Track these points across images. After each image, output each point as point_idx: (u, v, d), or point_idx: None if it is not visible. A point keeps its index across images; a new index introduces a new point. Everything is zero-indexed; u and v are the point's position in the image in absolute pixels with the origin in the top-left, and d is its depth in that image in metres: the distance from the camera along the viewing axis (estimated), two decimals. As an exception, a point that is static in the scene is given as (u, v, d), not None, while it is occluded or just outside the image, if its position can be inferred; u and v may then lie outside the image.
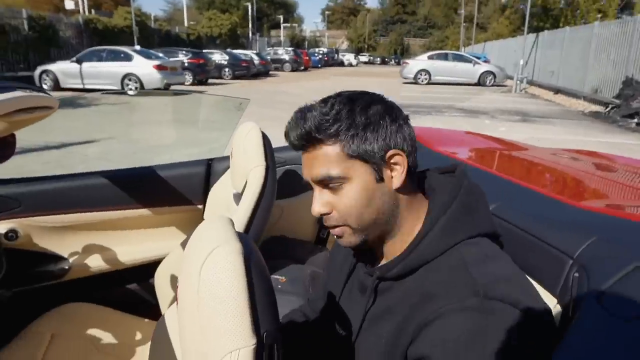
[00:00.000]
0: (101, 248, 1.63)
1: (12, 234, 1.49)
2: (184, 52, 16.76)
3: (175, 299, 1.43)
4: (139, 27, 21.56)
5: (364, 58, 56.40)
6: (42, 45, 16.79)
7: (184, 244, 1.55)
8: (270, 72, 24.09)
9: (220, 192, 1.60)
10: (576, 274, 0.76)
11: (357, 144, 0.69)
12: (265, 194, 1.28)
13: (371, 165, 0.70)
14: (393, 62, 56.10)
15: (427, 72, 18.35)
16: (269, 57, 25.42)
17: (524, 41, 18.48)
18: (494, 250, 0.72)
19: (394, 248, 0.76)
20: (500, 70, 18.63)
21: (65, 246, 1.59)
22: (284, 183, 1.62)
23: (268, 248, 1.63)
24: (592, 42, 12.55)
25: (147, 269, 1.64)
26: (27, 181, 1.55)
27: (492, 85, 18.06)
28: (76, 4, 23.98)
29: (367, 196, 0.71)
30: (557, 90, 14.77)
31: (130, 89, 12.35)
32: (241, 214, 1.25)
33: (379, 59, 59.86)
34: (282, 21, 57.41)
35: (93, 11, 28.00)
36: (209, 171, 1.71)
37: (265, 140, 1.37)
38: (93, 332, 1.45)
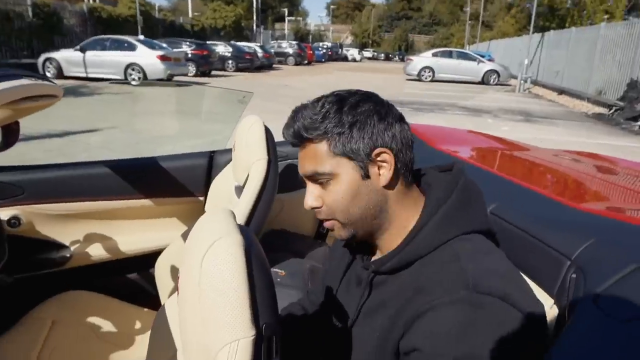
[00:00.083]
0: (102, 237, 1.64)
1: (14, 221, 1.50)
2: (187, 43, 16.71)
3: (174, 289, 1.44)
4: (143, 16, 21.49)
5: (367, 53, 56.19)
6: (46, 32, 16.75)
7: (184, 235, 1.56)
8: (274, 66, 24.02)
9: (221, 185, 1.61)
10: (573, 275, 0.77)
11: (342, 142, 0.72)
12: (267, 187, 1.29)
13: (357, 162, 0.73)
14: (397, 58, 55.92)
15: (431, 69, 18.29)
16: (272, 50, 25.35)
17: (529, 40, 18.40)
18: (487, 246, 0.73)
19: (389, 242, 0.77)
20: (505, 70, 18.57)
21: (67, 234, 1.60)
22: (285, 177, 1.63)
23: (268, 241, 1.64)
24: (598, 43, 12.49)
25: (147, 259, 1.65)
26: (30, 169, 1.56)
27: (496, 84, 18.01)
28: (81, -9, 23.89)
29: (353, 192, 0.74)
30: (561, 91, 14.73)
31: (134, 79, 12.33)
32: (242, 207, 1.26)
33: (382, 54, 59.67)
34: (286, 14, 57.17)
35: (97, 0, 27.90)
36: (211, 163, 1.72)
37: (268, 134, 1.37)
38: (93, 319, 1.46)
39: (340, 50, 43.56)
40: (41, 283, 1.59)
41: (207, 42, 19.41)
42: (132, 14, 21.51)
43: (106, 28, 19.08)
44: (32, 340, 1.34)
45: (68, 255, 1.59)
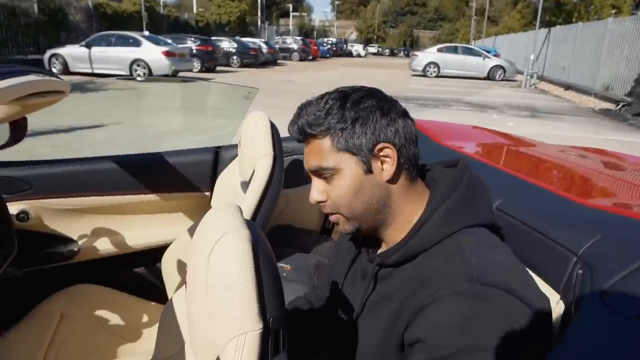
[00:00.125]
0: (109, 232, 1.66)
1: (23, 215, 1.51)
2: (192, 38, 16.72)
3: (181, 283, 1.45)
4: (148, 12, 21.51)
5: (372, 49, 56.01)
6: (51, 28, 16.80)
7: (190, 230, 1.57)
8: (279, 61, 23.98)
9: (227, 180, 1.62)
10: (580, 271, 0.77)
11: (345, 138, 0.73)
12: (273, 182, 1.29)
13: (360, 157, 0.74)
14: (402, 54, 55.65)
15: (436, 64, 18.21)
16: (277, 46, 25.30)
17: (535, 36, 18.27)
18: (492, 240, 0.74)
19: (394, 236, 0.78)
20: (510, 65, 18.45)
21: (74, 229, 1.61)
22: (291, 172, 1.63)
23: (274, 236, 1.64)
24: (605, 38, 12.38)
25: (154, 254, 1.66)
26: (38, 164, 1.57)
27: (502, 80, 17.91)
28: (86, -13, 23.93)
29: (356, 187, 0.75)
30: (568, 87, 14.63)
31: (139, 75, 12.36)
32: (248, 202, 1.27)
33: (387, 50, 59.41)
34: (291, 10, 57.03)
35: (103, -5, 27.89)
36: (216, 159, 1.73)
37: (274, 129, 1.37)
38: (101, 313, 1.48)
39: (345, 46, 43.41)
40: (49, 277, 1.61)
41: (212, 37, 19.39)
42: (137, 10, 21.52)
43: (111, 24, 19.10)
44: (41, 333, 1.36)
45: (76, 249, 1.61)
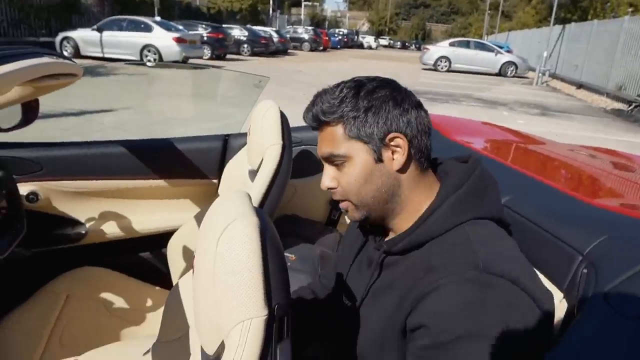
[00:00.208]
0: (117, 215, 1.67)
1: (33, 196, 1.53)
2: (203, 25, 16.67)
3: (186, 269, 1.46)
4: (160, -2, 21.45)
5: (384, 41, 55.54)
6: (64, 11, 16.81)
7: (197, 217, 1.58)
8: (289, 51, 23.88)
9: (235, 168, 1.62)
10: (585, 270, 0.77)
11: (357, 126, 0.75)
12: (281, 172, 1.29)
13: (371, 146, 0.75)
14: (413, 47, 55.25)
15: (448, 59, 18.05)
16: (288, 36, 25.16)
17: (549, 32, 18.04)
18: (500, 233, 0.74)
19: (401, 224, 0.79)
20: (523, 62, 18.25)
21: (82, 211, 1.63)
22: (298, 163, 1.63)
23: (280, 226, 1.64)
24: (621, 36, 12.19)
25: (160, 239, 1.68)
26: (49, 146, 1.58)
27: (513, 77, 17.72)
28: (99, -29, 23.88)
29: (366, 175, 0.76)
30: (580, 85, 14.46)
31: (149, 60, 12.37)
32: (256, 191, 1.27)
33: (399, 43, 58.94)
34: (303, -1, 56.67)
35: (115, -21, 27.84)
36: (225, 146, 1.73)
37: (283, 119, 1.37)
38: (106, 295, 1.50)
39: (356, 37, 43.14)
40: (57, 258, 1.63)
41: (223, 25, 19.32)
42: (149, -6, 21.48)
43: (123, 8, 19.07)
44: (47, 312, 1.38)
45: (83, 232, 1.63)
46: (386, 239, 0.83)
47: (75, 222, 1.63)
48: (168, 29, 12.90)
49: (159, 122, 5.97)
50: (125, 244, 1.69)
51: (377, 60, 23.22)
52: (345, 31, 43.78)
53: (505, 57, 18.09)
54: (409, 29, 74.75)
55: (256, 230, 0.55)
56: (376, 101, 0.74)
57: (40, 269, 1.57)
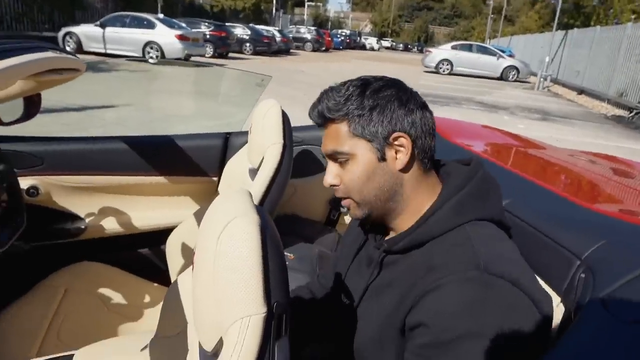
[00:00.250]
0: (116, 211, 1.67)
1: (33, 190, 1.53)
2: (206, 23, 16.67)
3: (185, 266, 1.46)
4: (163, -5, 21.43)
5: (386, 43, 55.56)
6: (67, 6, 16.81)
7: (196, 214, 1.58)
8: (291, 51, 23.88)
9: (236, 167, 1.62)
10: (582, 275, 0.77)
11: (362, 124, 0.75)
12: (281, 171, 1.30)
13: (374, 145, 0.75)
14: (416, 49, 55.27)
15: (450, 62, 18.06)
16: (290, 35, 25.17)
17: (552, 38, 18.04)
18: (500, 235, 0.75)
19: (402, 224, 0.79)
20: (525, 66, 18.26)
21: (82, 206, 1.63)
22: (299, 162, 1.64)
23: (279, 225, 1.65)
24: (623, 43, 12.20)
25: (159, 236, 1.68)
26: (50, 140, 1.58)
27: (515, 81, 17.74)
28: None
29: (368, 173, 0.76)
30: (581, 91, 14.46)
31: (151, 57, 12.37)
32: (256, 190, 1.28)
33: (401, 45, 58.96)
34: (306, -1, 56.64)
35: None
36: (226, 145, 1.73)
37: (285, 118, 1.38)
38: (104, 290, 1.50)
39: (358, 38, 43.15)
40: (56, 252, 1.63)
41: (226, 23, 19.32)
42: (153, -9, 21.45)
43: (126, 5, 19.06)
44: (46, 306, 1.38)
45: (83, 227, 1.63)
46: (386, 238, 0.83)
47: (75, 217, 1.63)
48: (171, 26, 12.90)
49: (160, 119, 5.97)
50: (125, 240, 1.69)
51: (379, 62, 23.23)
52: (348, 32, 43.84)
53: (507, 62, 18.10)
54: (411, 31, 74.78)
55: (257, 228, 0.55)
56: (381, 100, 0.75)
57: (39, 263, 1.57)
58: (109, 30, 12.69)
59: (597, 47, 14.19)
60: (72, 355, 1.09)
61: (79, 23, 14.06)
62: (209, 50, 15.25)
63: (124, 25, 12.80)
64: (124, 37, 12.57)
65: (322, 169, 1.78)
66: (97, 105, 6.09)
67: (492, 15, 44.85)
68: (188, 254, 1.48)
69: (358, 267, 0.88)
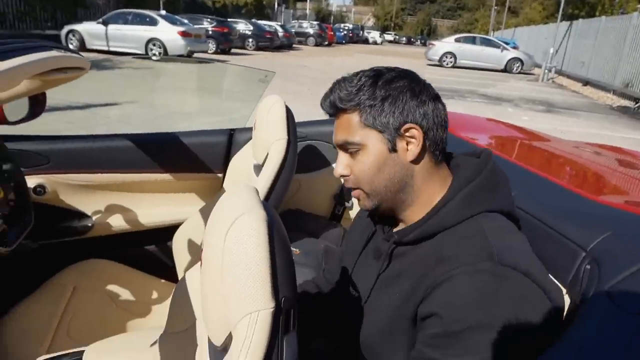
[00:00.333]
0: (123, 209, 1.69)
1: (40, 189, 1.55)
2: (208, 19, 16.65)
3: (192, 262, 1.47)
4: (165, -9, 21.41)
5: (389, 37, 55.33)
6: (70, 4, 16.83)
7: (202, 211, 1.59)
8: (294, 46, 23.81)
9: (240, 163, 1.63)
10: (588, 267, 0.77)
11: (373, 115, 0.75)
12: (285, 167, 1.30)
13: (385, 135, 0.75)
14: (419, 42, 55.05)
15: (453, 55, 17.96)
16: (293, 30, 25.09)
17: (556, 29, 17.91)
18: (511, 227, 0.75)
19: (412, 215, 0.79)
20: (529, 58, 18.13)
21: (89, 204, 1.65)
22: (303, 158, 1.64)
23: (284, 220, 1.66)
24: (629, 33, 12.09)
25: (165, 232, 1.69)
26: (56, 139, 1.59)
27: (519, 73, 17.62)
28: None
29: (379, 164, 0.76)
30: (586, 82, 14.36)
31: (154, 54, 12.37)
32: (261, 185, 1.28)
33: (404, 38, 58.73)
34: (309, -6, 56.38)
35: (120, -27, 27.78)
36: (230, 141, 1.74)
37: (289, 114, 1.38)
38: (112, 288, 1.51)
39: (361, 32, 42.98)
40: (63, 250, 1.64)
41: (228, 19, 19.29)
42: (155, -12, 21.43)
43: (129, 2, 19.06)
44: (54, 304, 1.40)
45: (90, 224, 1.64)
46: (395, 230, 0.83)
47: (82, 215, 1.64)
48: (173, 22, 12.89)
49: (164, 116, 5.98)
50: (131, 237, 1.71)
51: (382, 56, 23.13)
52: (351, 26, 43.62)
53: (511, 54, 17.98)
54: (414, 24, 74.42)
55: (264, 224, 0.56)
56: (394, 91, 0.75)
57: (47, 261, 1.59)
58: (112, 27, 12.70)
59: (603, 37, 14.07)
60: (83, 351, 1.10)
61: (81, 21, 14.07)
62: (212, 46, 15.23)
63: (126, 22, 12.80)
64: (127, 35, 12.57)
65: (326, 164, 1.78)
66: (101, 103, 6.11)
67: (495, 7, 44.50)
68: (195, 250, 1.49)
69: (365, 259, 0.88)
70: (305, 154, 1.74)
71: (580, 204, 1.01)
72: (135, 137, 1.65)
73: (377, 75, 0.76)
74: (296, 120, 1.45)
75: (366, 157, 0.77)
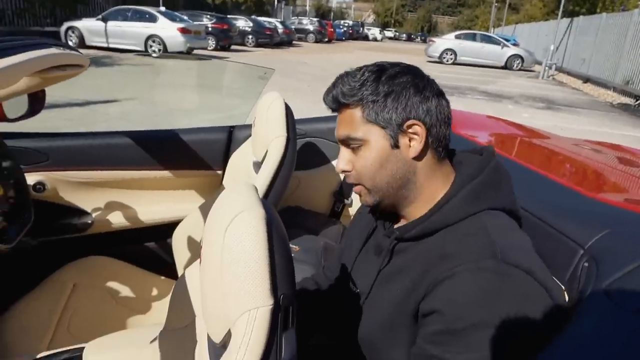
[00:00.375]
0: (122, 206, 1.69)
1: (39, 186, 1.55)
2: (208, 16, 16.60)
3: (191, 259, 1.48)
4: (164, -12, 21.35)
5: (389, 33, 55.26)
6: (69, 1, 16.77)
7: (202, 208, 1.59)
8: (294, 42, 23.77)
9: (240, 160, 1.63)
10: (586, 264, 0.77)
11: (376, 110, 0.74)
12: (285, 164, 1.30)
13: (388, 131, 0.75)
14: (419, 39, 54.96)
15: (453, 51, 17.93)
16: (293, 27, 25.03)
17: (557, 25, 17.87)
18: (513, 225, 0.75)
19: (414, 212, 0.79)
20: (529, 55, 18.11)
21: (89, 201, 1.65)
22: (303, 155, 1.64)
23: (283, 217, 1.65)
24: (629, 30, 12.07)
25: (165, 229, 1.69)
26: (55, 136, 1.60)
27: (519, 70, 17.60)
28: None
29: (381, 160, 0.76)
30: (587, 79, 14.34)
31: (154, 51, 12.35)
32: (260, 183, 1.28)
33: (404, 35, 58.62)
34: (308, -10, 56.23)
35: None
36: (230, 138, 1.74)
37: (288, 111, 1.38)
38: (112, 284, 1.52)
39: (361, 29, 42.90)
40: (63, 247, 1.65)
41: (228, 16, 19.24)
42: (154, -16, 21.36)
43: (128, -2, 19.05)
44: (55, 301, 1.40)
45: (89, 221, 1.64)
46: (396, 226, 0.83)
47: (82, 212, 1.65)
48: (173, 19, 12.86)
49: (164, 112, 5.97)
50: (131, 234, 1.71)
51: (383, 53, 23.08)
52: (351, 23, 43.52)
53: (511, 50, 17.95)
54: (414, 21, 74.26)
55: (263, 222, 0.56)
56: (397, 87, 0.74)
57: (47, 258, 1.59)
58: (111, 24, 12.67)
59: (603, 34, 14.04)
60: (83, 348, 1.11)
61: (80, 17, 14.04)
62: (212, 42, 15.20)
63: (125, 19, 12.77)
64: (126, 31, 12.55)
65: (325, 161, 1.78)
66: (100, 99, 6.10)
67: (496, 4, 44.38)
68: (194, 247, 1.49)
69: (366, 256, 0.88)
70: (304, 151, 1.74)
71: (578, 202, 1.01)
72: (135, 134, 1.65)
73: (381, 71, 0.76)
74: (296, 117, 1.45)
75: (368, 153, 0.76)
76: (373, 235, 0.89)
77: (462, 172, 0.77)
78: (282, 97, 1.40)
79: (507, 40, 19.72)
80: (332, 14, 60.86)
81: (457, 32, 20.01)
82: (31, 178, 1.53)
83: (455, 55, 17.91)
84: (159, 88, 6.95)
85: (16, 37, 0.94)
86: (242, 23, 19.06)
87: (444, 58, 18.00)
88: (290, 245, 1.45)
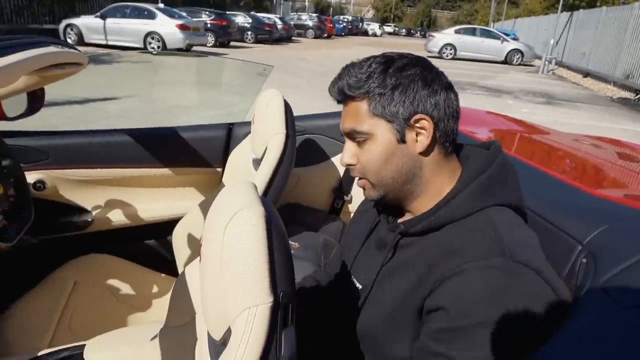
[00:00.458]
0: (122, 203, 1.69)
1: (40, 185, 1.55)
2: (207, 12, 16.56)
3: (191, 256, 1.48)
4: (163, -16, 21.28)
5: (388, 28, 55.08)
6: (67, -2, 16.72)
7: (202, 205, 1.59)
8: (293, 38, 23.71)
9: (239, 157, 1.63)
10: (584, 260, 0.77)
11: (382, 104, 0.72)
12: (284, 161, 1.30)
13: (394, 125, 0.73)
14: (419, 34, 54.83)
15: (453, 46, 17.89)
16: (292, 23, 24.98)
17: (556, 20, 17.82)
18: (519, 221, 0.74)
19: (420, 206, 0.78)
20: (529, 49, 18.06)
21: (89, 199, 1.65)
22: (302, 152, 1.64)
23: (283, 214, 1.66)
24: (630, 23, 12.03)
25: (165, 227, 1.69)
26: (55, 134, 1.60)
27: (519, 64, 17.56)
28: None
29: (387, 154, 0.74)
30: (587, 74, 14.31)
31: (153, 48, 12.32)
32: (260, 180, 1.28)
33: (404, 30, 58.48)
34: (307, -15, 56.03)
35: (118, -35, 27.59)
36: (229, 135, 1.74)
37: (287, 108, 1.38)
38: (113, 282, 1.52)
39: (360, 24, 42.77)
40: (64, 245, 1.65)
41: (227, 12, 19.19)
42: (152, -19, 21.29)
43: (126, -5, 18.97)
44: (55, 299, 1.41)
45: (90, 219, 1.65)
46: (401, 221, 0.82)
47: (82, 210, 1.65)
48: (171, 16, 12.83)
49: (163, 110, 5.97)
50: (131, 232, 1.71)
51: (382, 48, 22.80)
52: (350, 18, 43.39)
53: (511, 45, 17.91)
54: (414, 16, 74.03)
55: (262, 219, 0.56)
56: (405, 79, 0.72)
57: (47, 256, 1.59)
58: (110, 21, 12.64)
59: (603, 28, 14.00)
60: (84, 345, 1.11)
61: (79, 15, 13.99)
62: (211, 39, 15.16)
63: (124, 16, 12.73)
64: (125, 28, 12.51)
65: (325, 157, 1.78)
66: (99, 97, 6.09)
67: (495, -2, 44.21)
68: (194, 244, 1.49)
69: (368, 250, 0.87)
70: (304, 148, 1.74)
71: (577, 198, 1.01)
72: (135, 132, 1.65)
73: (388, 62, 0.73)
74: (296, 114, 1.45)
75: (374, 147, 0.74)
76: (375, 230, 0.88)
77: (469, 166, 0.76)
78: (281, 94, 1.40)
79: (507, 34, 19.64)
80: (331, 9, 60.68)
81: (457, 27, 19.97)
82: (31, 176, 1.53)
83: (455, 50, 17.87)
84: (157, 85, 6.94)
85: (15, 36, 0.94)
86: (241, 19, 19.01)
87: (444, 53, 17.96)
88: (290, 242, 1.45)
